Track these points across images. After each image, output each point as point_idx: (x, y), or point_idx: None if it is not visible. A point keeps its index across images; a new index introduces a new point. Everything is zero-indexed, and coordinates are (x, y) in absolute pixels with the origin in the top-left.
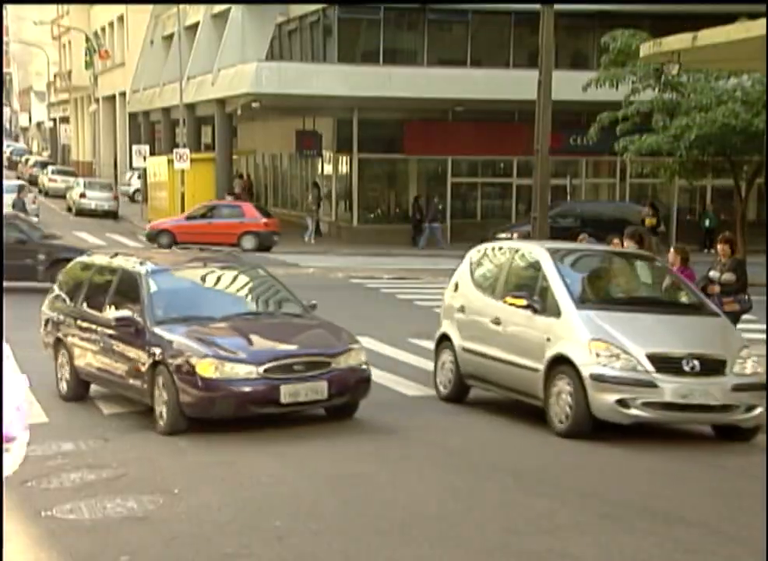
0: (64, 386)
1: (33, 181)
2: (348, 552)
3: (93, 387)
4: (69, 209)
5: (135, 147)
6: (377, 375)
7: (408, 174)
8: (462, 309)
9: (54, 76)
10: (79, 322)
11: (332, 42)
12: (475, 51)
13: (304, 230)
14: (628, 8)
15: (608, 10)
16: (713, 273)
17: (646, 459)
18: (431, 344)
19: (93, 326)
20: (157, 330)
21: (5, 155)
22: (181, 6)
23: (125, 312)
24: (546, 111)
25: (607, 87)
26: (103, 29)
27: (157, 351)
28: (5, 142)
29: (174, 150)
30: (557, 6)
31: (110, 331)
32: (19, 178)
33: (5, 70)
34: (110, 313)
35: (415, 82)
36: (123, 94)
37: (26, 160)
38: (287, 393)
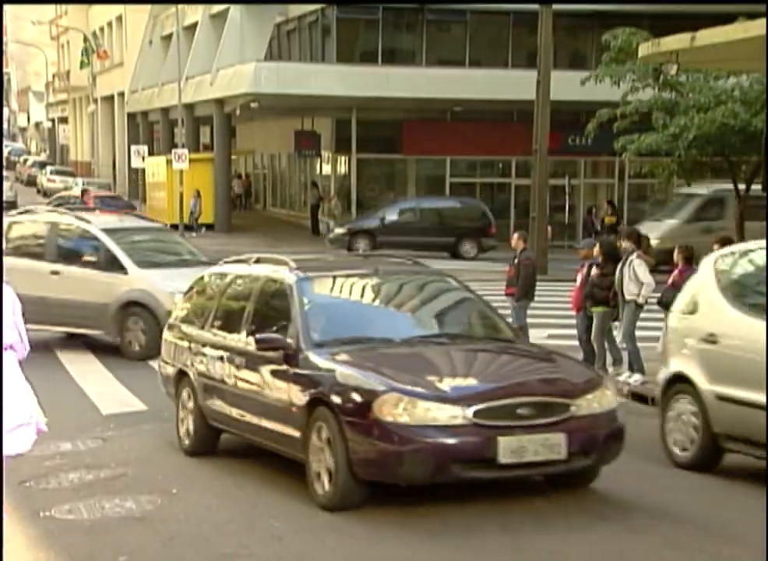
0: (186, 433)
1: (31, 182)
2: (346, 550)
3: (90, 387)
4: None
5: (133, 147)
6: None
7: (407, 175)
8: (711, 339)
9: (53, 76)
10: (207, 349)
11: (331, 42)
12: (474, 51)
13: (326, 230)
14: (627, 8)
15: (606, 10)
16: None
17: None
18: None
19: (226, 354)
20: (315, 357)
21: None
22: (180, 6)
23: (269, 333)
24: (544, 111)
25: (606, 86)
26: (101, 29)
27: (316, 384)
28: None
29: (173, 150)
30: (555, 6)
31: (249, 359)
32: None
33: (3, 70)
34: (249, 335)
35: (414, 83)
36: (122, 94)
37: (25, 161)
38: (509, 448)
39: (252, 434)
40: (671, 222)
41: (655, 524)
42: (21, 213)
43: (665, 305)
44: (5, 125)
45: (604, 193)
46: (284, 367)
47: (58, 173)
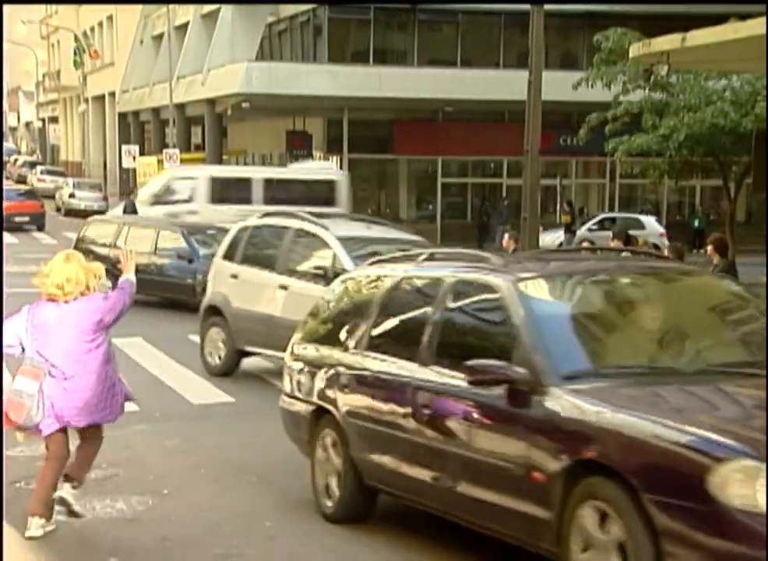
0: (327, 493)
1: (21, 181)
2: (339, 551)
3: None
4: (58, 210)
5: (124, 147)
6: None
7: (398, 175)
8: None
9: (43, 76)
10: (364, 379)
11: (323, 42)
12: (465, 52)
13: None
14: (618, 9)
15: (598, 10)
16: None
17: None
18: None
19: (401, 386)
20: (569, 396)
21: None
22: (171, 6)
23: (488, 361)
24: (536, 112)
25: (598, 87)
26: (92, 28)
27: (582, 440)
28: None
29: (164, 150)
30: (547, 6)
31: (443, 395)
32: (8, 177)
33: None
34: (437, 362)
35: (405, 83)
36: (112, 94)
37: (15, 160)
38: None
39: (447, 505)
40: None
41: None
42: (263, 216)
43: None
44: None
45: (595, 193)
46: (510, 409)
47: (49, 173)
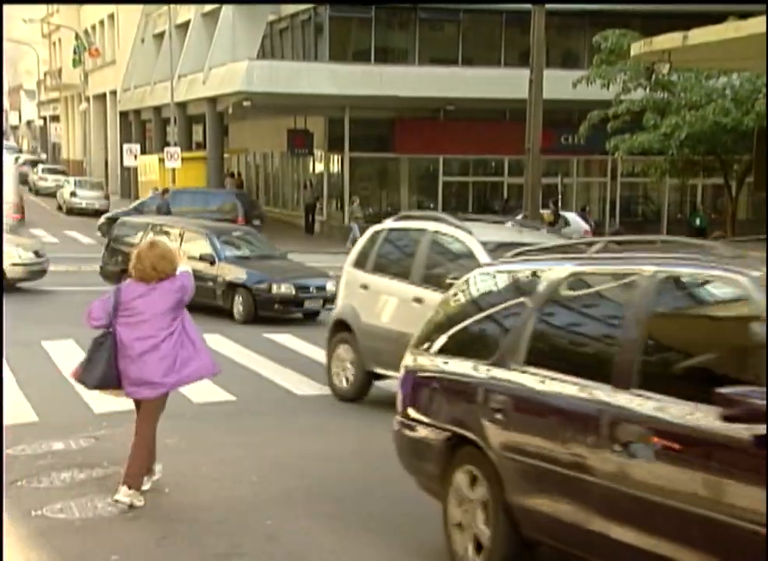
0: (469, 547)
1: (23, 180)
2: (339, 550)
3: (81, 385)
4: (60, 208)
5: (125, 146)
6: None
7: (399, 173)
8: None
9: (45, 74)
10: (530, 404)
11: (324, 41)
12: (466, 50)
13: (348, 234)
14: (619, 8)
15: (599, 9)
16: None
17: None
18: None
19: (588, 417)
20: None
21: None
22: (172, 5)
23: (747, 388)
24: (537, 110)
25: (598, 86)
26: (93, 27)
27: None
28: None
29: (165, 149)
30: (548, 5)
31: (651, 431)
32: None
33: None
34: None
35: (406, 81)
36: (114, 93)
37: (16, 159)
38: None
39: None
40: None
41: None
42: (399, 218)
43: None
44: None
45: (596, 192)
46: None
47: (50, 171)
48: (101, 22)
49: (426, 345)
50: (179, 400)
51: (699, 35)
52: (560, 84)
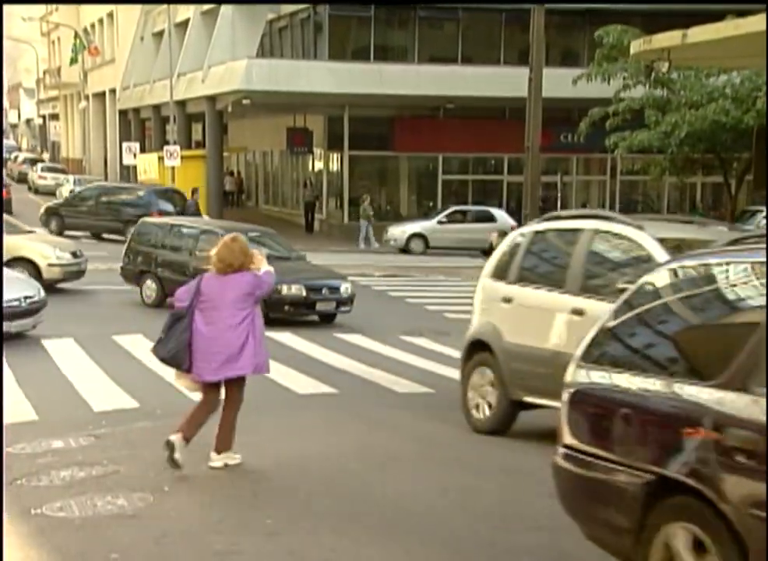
0: None
1: (22, 179)
2: (339, 548)
3: (81, 384)
4: None
5: (125, 144)
6: (371, 373)
7: (399, 172)
8: None
9: (44, 73)
10: None
11: (323, 39)
12: (466, 49)
13: (358, 234)
14: (619, 7)
15: (599, 8)
16: None
17: None
18: (422, 341)
19: None
20: None
21: None
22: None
23: None
24: (536, 108)
25: (598, 83)
26: (92, 25)
27: None
28: None
29: (165, 147)
30: (547, 5)
31: None
32: (8, 174)
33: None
34: None
35: (406, 80)
36: (113, 91)
37: (16, 157)
38: None
39: None
40: None
41: None
42: (547, 219)
43: None
44: None
45: (596, 190)
46: None
47: (49, 170)
48: (100, 21)
49: (601, 357)
50: (179, 398)
51: (699, 33)
52: (559, 82)
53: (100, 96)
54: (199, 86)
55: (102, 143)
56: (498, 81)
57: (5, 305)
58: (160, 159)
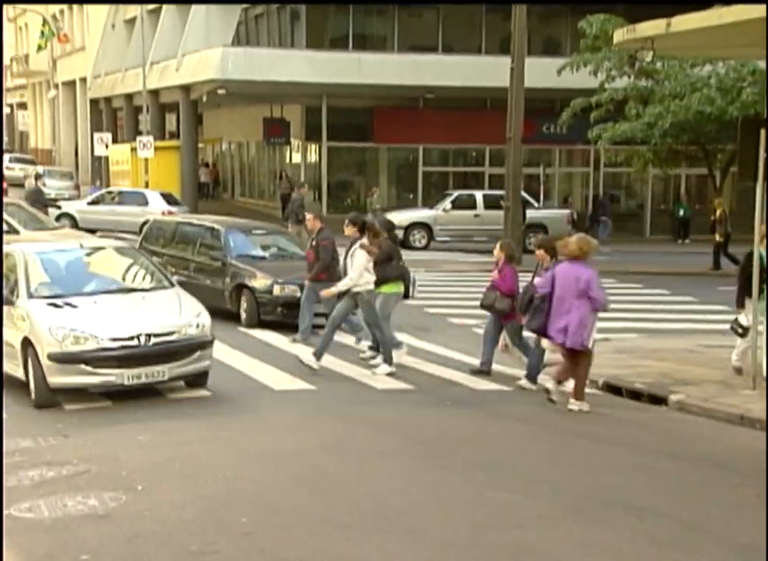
0: None
1: None
2: (315, 547)
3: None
4: (28, 199)
5: (96, 135)
6: (349, 370)
7: (378, 163)
8: None
9: (11, 60)
10: None
11: (301, 27)
12: (446, 37)
13: None
14: None
15: None
16: (537, 280)
17: (615, 451)
18: (402, 337)
19: None
20: None
21: None
22: None
23: None
24: (518, 99)
25: (581, 73)
26: (61, 11)
27: None
28: None
29: (138, 138)
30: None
31: None
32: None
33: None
34: None
35: (385, 69)
36: (84, 80)
37: None
38: None
39: None
40: None
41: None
42: None
43: (486, 307)
44: None
45: (579, 182)
46: None
47: (18, 161)
48: (70, 7)
49: None
50: (152, 396)
51: (683, 22)
52: (542, 72)
53: (70, 84)
54: (173, 74)
55: (72, 133)
56: (479, 70)
57: None
58: (133, 150)
